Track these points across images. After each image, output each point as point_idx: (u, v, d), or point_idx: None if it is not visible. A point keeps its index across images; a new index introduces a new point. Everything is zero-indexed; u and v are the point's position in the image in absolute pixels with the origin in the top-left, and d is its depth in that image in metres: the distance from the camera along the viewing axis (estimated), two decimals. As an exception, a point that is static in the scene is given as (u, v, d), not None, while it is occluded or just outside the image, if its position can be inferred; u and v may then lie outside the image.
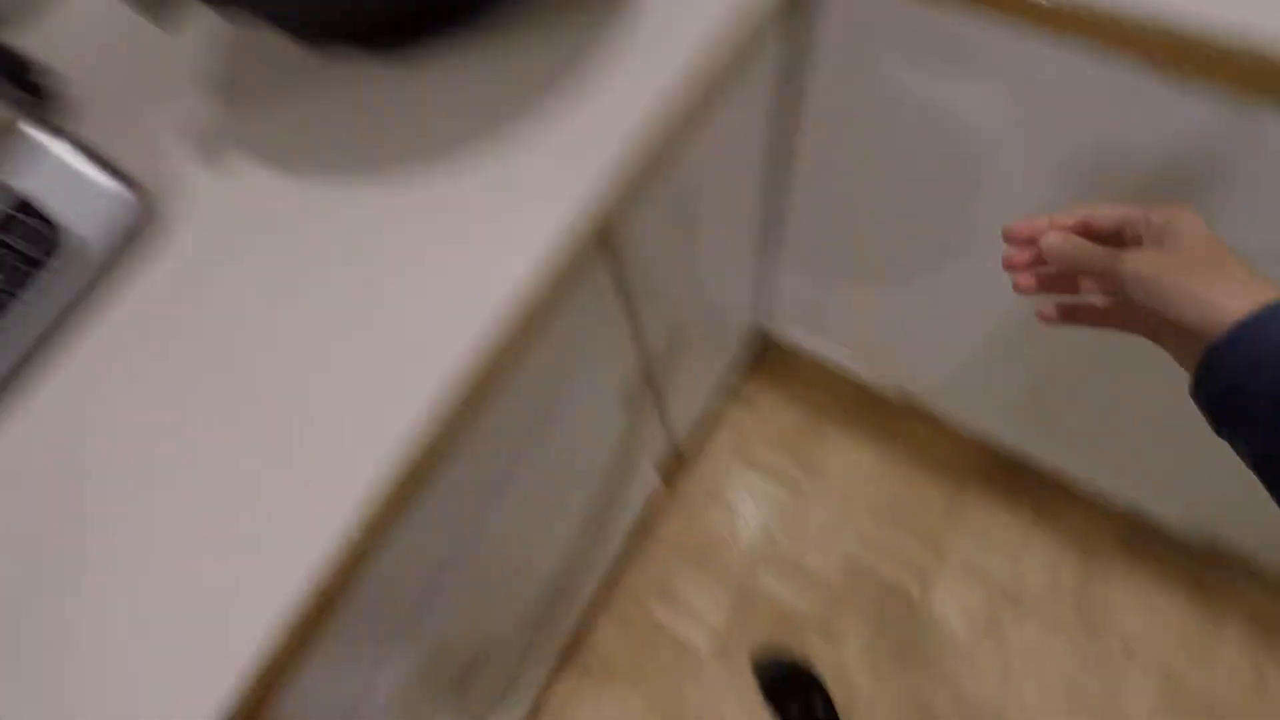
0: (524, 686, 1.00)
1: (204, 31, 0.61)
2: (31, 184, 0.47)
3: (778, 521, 1.25)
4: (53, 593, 0.39)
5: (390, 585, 0.54)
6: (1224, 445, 0.36)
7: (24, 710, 0.36)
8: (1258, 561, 1.10)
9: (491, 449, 0.56)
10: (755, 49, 0.58)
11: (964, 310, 0.88)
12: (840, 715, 1.10)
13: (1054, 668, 1.12)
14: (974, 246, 0.77)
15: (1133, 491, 1.03)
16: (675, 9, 0.53)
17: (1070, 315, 0.44)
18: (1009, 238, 0.43)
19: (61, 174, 0.48)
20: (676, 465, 1.29)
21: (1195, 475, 0.91)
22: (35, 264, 0.46)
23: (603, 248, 0.56)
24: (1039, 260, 0.42)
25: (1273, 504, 0.35)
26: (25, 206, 0.46)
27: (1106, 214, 0.40)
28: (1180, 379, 0.38)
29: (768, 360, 1.35)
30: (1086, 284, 0.43)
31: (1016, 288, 0.44)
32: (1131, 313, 0.40)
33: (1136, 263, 0.37)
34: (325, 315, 0.44)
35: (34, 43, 0.58)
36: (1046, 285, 0.44)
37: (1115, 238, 0.40)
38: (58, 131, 0.49)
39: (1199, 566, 1.14)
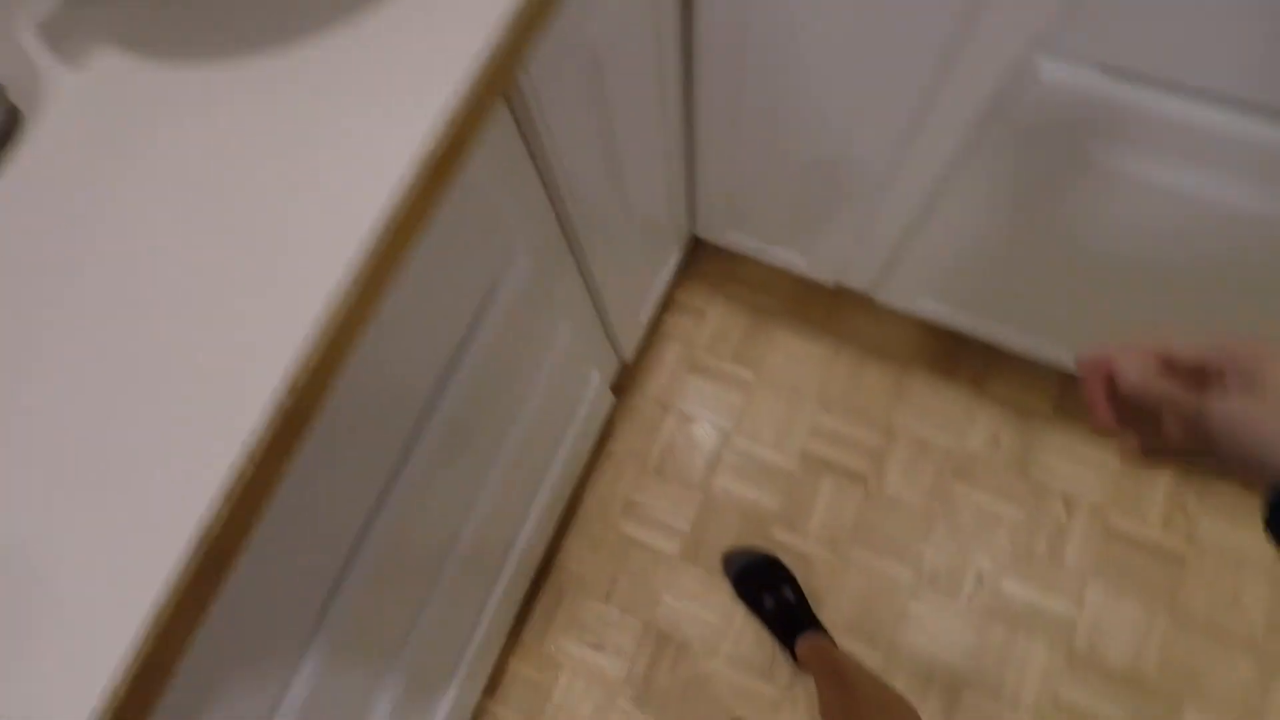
0: (488, 635, 1.01)
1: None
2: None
3: (732, 423, 1.27)
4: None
5: (317, 510, 0.53)
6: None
7: None
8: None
9: (417, 350, 0.55)
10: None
11: (887, 195, 0.88)
12: (809, 601, 1.14)
13: (1004, 531, 1.18)
14: (888, 124, 0.77)
15: (1060, 353, 1.07)
16: None
17: (1155, 457, 0.40)
18: (1082, 366, 0.41)
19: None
20: (627, 380, 1.29)
21: (1113, 331, 0.94)
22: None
23: (516, 123, 0.54)
24: (1113, 390, 0.39)
25: None
26: None
27: (1187, 349, 0.37)
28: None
29: (705, 267, 1.35)
30: (1169, 422, 0.39)
31: (1094, 424, 0.41)
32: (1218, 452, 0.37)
33: (1223, 410, 0.34)
34: (220, 204, 0.42)
35: None
36: (1127, 421, 0.40)
37: (1196, 373, 0.37)
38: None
39: (1130, 419, 1.20)
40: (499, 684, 1.18)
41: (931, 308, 1.11)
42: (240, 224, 0.41)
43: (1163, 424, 0.39)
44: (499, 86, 0.46)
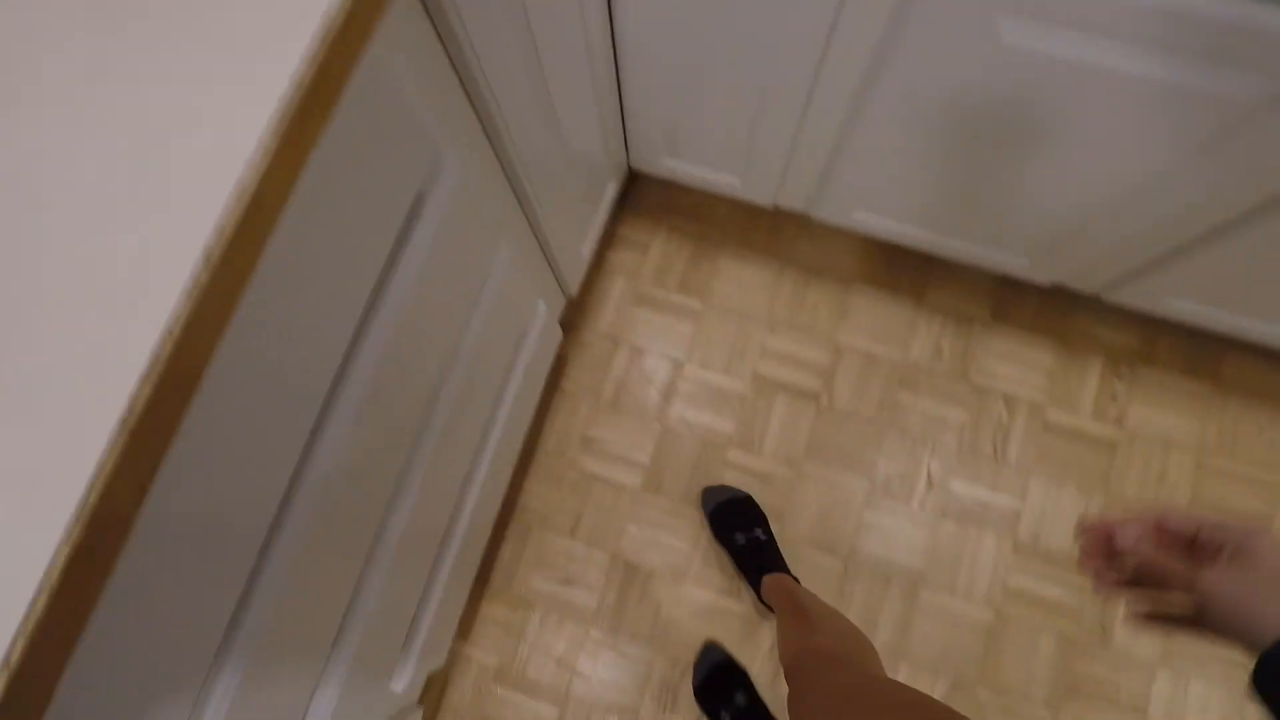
0: (454, 579, 1.00)
1: None
2: None
3: (683, 352, 1.27)
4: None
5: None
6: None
7: None
8: (1104, 303, 1.22)
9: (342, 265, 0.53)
10: None
11: (811, 113, 0.89)
12: (777, 541, 1.17)
13: (950, 435, 1.22)
14: (803, 42, 0.76)
15: (994, 257, 1.10)
16: None
17: (1156, 621, 0.42)
18: (1082, 531, 0.43)
19: None
20: (575, 317, 1.29)
21: (1045, 234, 0.98)
22: None
23: (430, 22, 0.52)
24: (1112, 555, 0.42)
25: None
26: None
27: (1182, 519, 0.40)
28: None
29: (645, 201, 1.34)
30: (1170, 588, 0.41)
31: (1097, 587, 0.43)
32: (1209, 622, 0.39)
33: (1215, 583, 0.37)
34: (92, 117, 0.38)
35: None
36: (1128, 585, 0.42)
37: (1190, 545, 0.40)
38: None
39: (1059, 319, 1.25)
40: (470, 628, 1.18)
41: (867, 221, 1.13)
42: (110, 138, 0.38)
43: (1166, 592, 0.41)
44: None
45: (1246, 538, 0.38)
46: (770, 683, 1.13)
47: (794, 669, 0.64)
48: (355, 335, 0.56)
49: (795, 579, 1.08)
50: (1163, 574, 0.39)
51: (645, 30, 0.86)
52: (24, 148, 0.37)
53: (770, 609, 1.04)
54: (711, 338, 1.28)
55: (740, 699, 1.08)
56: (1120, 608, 1.14)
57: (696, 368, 1.27)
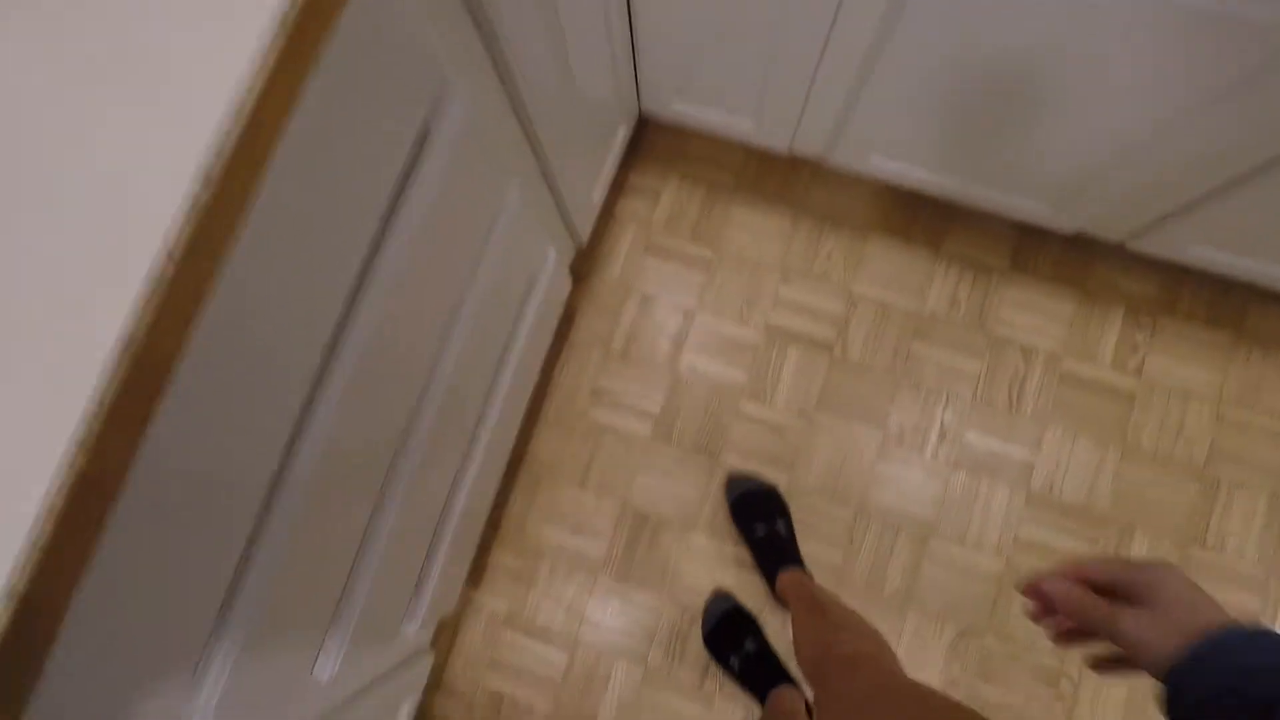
0: (465, 526, 1.00)
1: None
2: None
3: (694, 301, 1.25)
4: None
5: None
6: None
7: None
8: (1127, 252, 1.19)
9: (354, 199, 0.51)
10: None
11: (829, 53, 0.85)
12: (795, 532, 1.16)
13: (965, 386, 1.21)
14: None
15: (1016, 204, 1.07)
16: None
17: (1107, 669, 0.47)
18: (1026, 591, 0.46)
19: None
20: (585, 266, 1.27)
21: (1069, 179, 0.94)
22: None
23: None
24: (1051, 609, 0.45)
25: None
26: None
27: (1098, 569, 0.44)
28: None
29: (656, 148, 1.31)
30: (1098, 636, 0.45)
31: (1059, 642, 0.47)
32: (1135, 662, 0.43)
33: (1125, 623, 0.41)
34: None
35: None
36: (1077, 637, 0.46)
37: (1112, 591, 0.43)
38: None
39: (1080, 268, 1.22)
40: (481, 575, 1.19)
41: (884, 166, 1.09)
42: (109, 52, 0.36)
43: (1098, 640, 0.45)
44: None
45: (1154, 577, 0.42)
46: (779, 632, 1.14)
47: (818, 673, 0.64)
48: (361, 273, 0.55)
49: (810, 575, 1.07)
50: (1089, 623, 0.43)
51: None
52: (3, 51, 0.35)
53: (784, 604, 1.04)
54: (723, 287, 1.26)
55: (750, 646, 1.09)
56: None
57: (708, 317, 1.25)
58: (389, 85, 0.50)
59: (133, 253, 0.32)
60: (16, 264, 0.32)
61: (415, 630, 0.96)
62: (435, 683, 1.16)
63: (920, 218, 1.26)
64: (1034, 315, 1.22)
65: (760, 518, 1.13)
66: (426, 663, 1.08)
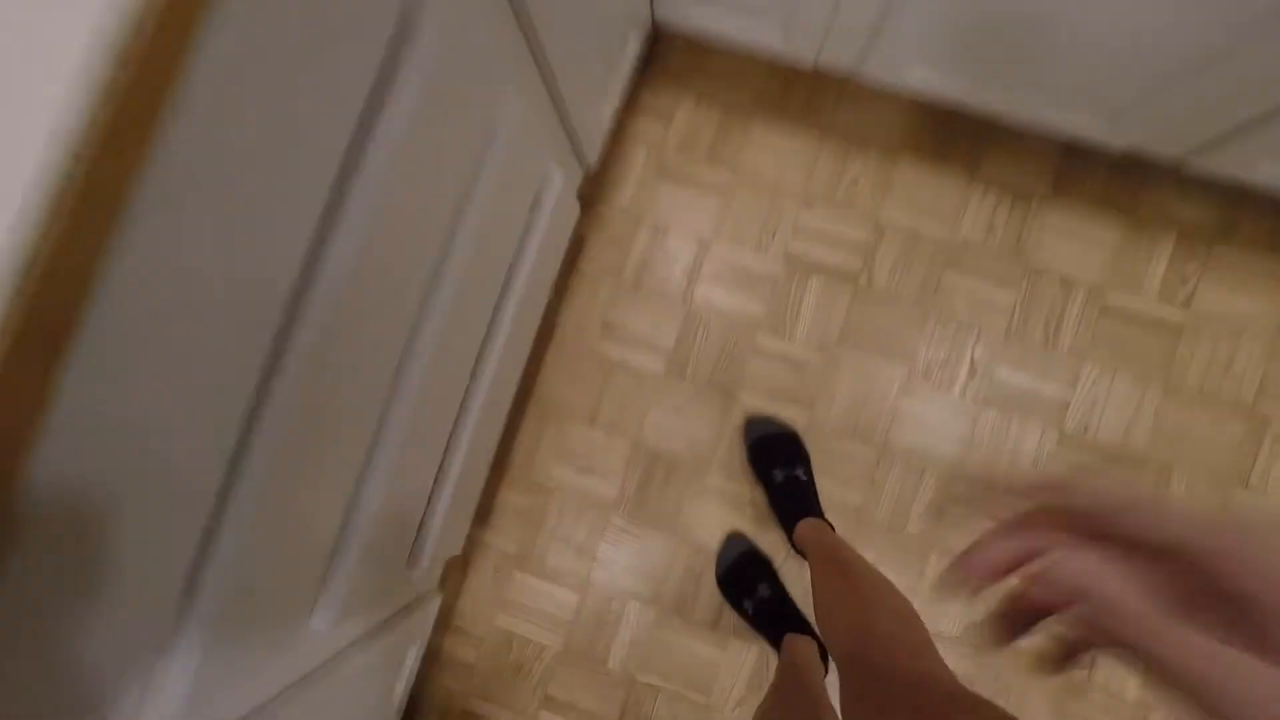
0: (470, 463, 0.95)
1: None
2: None
3: (710, 229, 1.18)
4: None
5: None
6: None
7: None
8: (1184, 173, 1.09)
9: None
10: None
11: None
12: (814, 478, 1.10)
13: (998, 319, 1.13)
14: None
15: (1066, 118, 0.98)
16: None
17: (1066, 661, 0.29)
18: (967, 566, 0.28)
19: None
20: (594, 191, 1.19)
21: (1128, 87, 0.85)
22: None
23: None
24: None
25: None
26: None
27: (1099, 504, 0.25)
28: None
29: (670, 63, 1.21)
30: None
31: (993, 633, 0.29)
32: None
33: (1212, 665, 0.22)
34: None
35: None
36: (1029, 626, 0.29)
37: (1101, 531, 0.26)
38: None
39: (1129, 193, 1.13)
40: (489, 515, 1.15)
41: (922, 79, 1.00)
42: None
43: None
44: None
45: (1240, 571, 0.22)
46: (796, 575, 1.10)
47: (850, 658, 0.58)
48: (339, 180, 0.48)
49: (830, 525, 1.02)
50: (1111, 637, 0.24)
51: None
52: None
53: (803, 555, 0.99)
54: (741, 214, 1.18)
55: (764, 590, 1.05)
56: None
57: (724, 246, 1.17)
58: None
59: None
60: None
61: (421, 573, 0.93)
62: (444, 623, 1.14)
63: (956, 139, 1.16)
64: (1076, 243, 1.13)
65: (779, 463, 1.07)
66: (434, 604, 1.05)
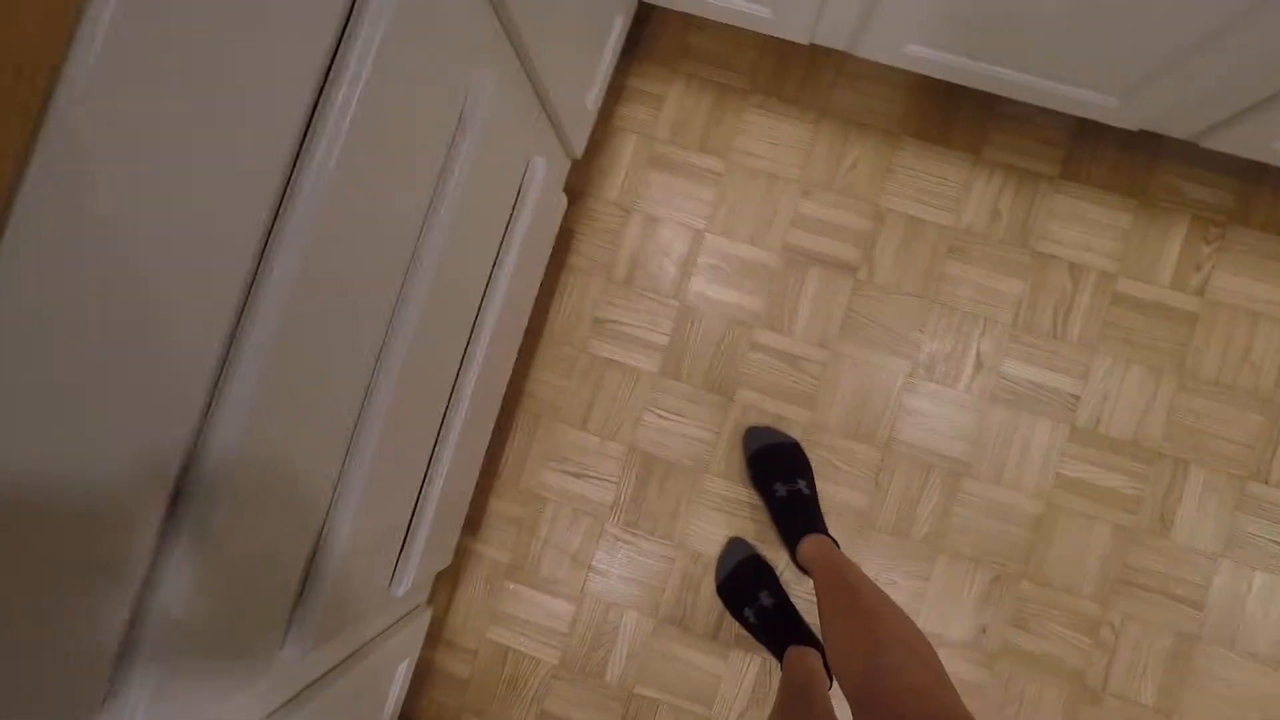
0: (456, 472, 0.90)
1: None
2: None
3: (703, 221, 1.12)
4: None
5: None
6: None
7: None
8: (1197, 154, 1.04)
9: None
10: None
11: None
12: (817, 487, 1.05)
13: (1005, 309, 1.08)
14: None
15: (1077, 97, 0.92)
16: None
17: None
18: None
19: None
20: (582, 183, 1.13)
21: (1143, 63, 0.80)
22: None
23: None
24: None
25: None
26: None
27: None
28: None
29: (658, 46, 1.15)
30: None
31: None
32: None
33: None
34: None
35: None
36: None
37: None
38: None
39: (1140, 174, 1.08)
40: (480, 524, 1.11)
41: (921, 56, 0.94)
42: None
43: None
44: None
45: None
46: (798, 582, 1.06)
47: (862, 700, 0.54)
48: (284, 175, 0.43)
49: (835, 541, 0.97)
50: None
51: None
52: None
53: (807, 574, 0.94)
54: (736, 204, 1.12)
55: (766, 598, 1.01)
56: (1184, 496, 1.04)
57: (719, 238, 1.12)
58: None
59: None
60: None
61: (406, 589, 0.89)
62: (435, 637, 1.10)
63: (959, 120, 1.11)
64: (1085, 229, 1.08)
65: (780, 476, 1.03)
66: (423, 619, 1.01)
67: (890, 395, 1.09)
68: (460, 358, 0.83)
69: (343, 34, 0.45)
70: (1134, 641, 1.03)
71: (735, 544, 1.07)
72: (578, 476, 1.10)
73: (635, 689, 1.07)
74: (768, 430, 1.08)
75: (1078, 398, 1.07)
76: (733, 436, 1.09)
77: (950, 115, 1.11)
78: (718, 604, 1.06)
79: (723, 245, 1.12)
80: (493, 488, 1.11)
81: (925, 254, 1.10)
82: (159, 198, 0.34)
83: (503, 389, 1.00)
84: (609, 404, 1.11)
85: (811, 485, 1.05)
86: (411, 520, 0.85)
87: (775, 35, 0.99)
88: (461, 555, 1.10)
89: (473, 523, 1.10)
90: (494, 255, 0.84)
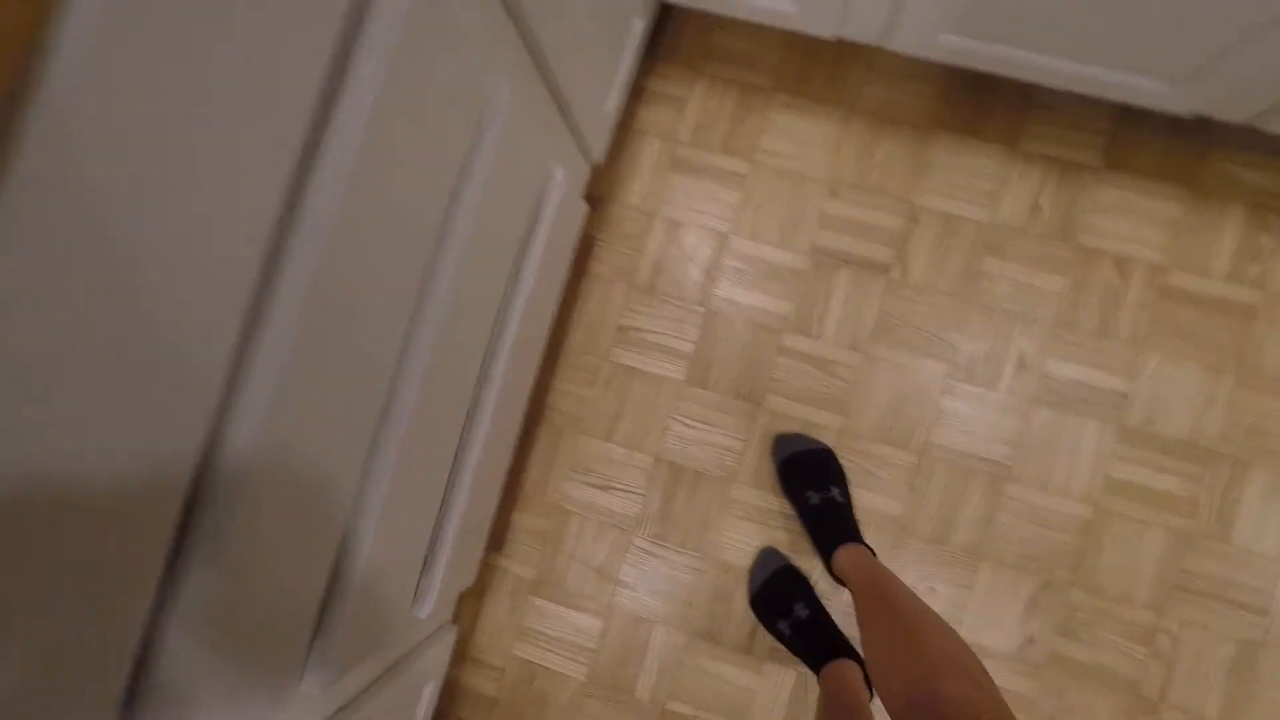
0: (479, 488, 0.88)
1: None
2: None
3: (728, 224, 1.09)
4: None
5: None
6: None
7: None
8: (1253, 137, 0.98)
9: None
10: None
11: None
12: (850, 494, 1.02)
13: (1048, 307, 1.04)
14: None
15: (1122, 84, 0.87)
16: None
17: None
18: None
19: None
20: (603, 188, 1.11)
21: (1198, 45, 0.75)
22: None
23: None
24: None
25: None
26: None
27: None
28: None
29: (679, 46, 1.12)
30: None
31: None
32: None
33: None
34: None
35: None
36: None
37: None
38: None
39: (1191, 161, 1.03)
40: (504, 539, 1.09)
41: (957, 45, 0.90)
42: None
43: None
44: None
45: None
46: (835, 593, 1.02)
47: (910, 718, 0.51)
48: (290, 186, 0.41)
49: (871, 550, 0.93)
50: None
51: None
52: None
53: (843, 585, 0.91)
54: (762, 206, 1.09)
55: (801, 610, 0.97)
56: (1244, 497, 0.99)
57: (745, 241, 1.09)
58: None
59: None
60: None
61: (430, 609, 0.87)
62: (462, 655, 1.08)
63: (994, 112, 1.06)
64: (1131, 220, 1.03)
65: (813, 484, 0.99)
66: (448, 638, 0.99)
67: (927, 399, 1.05)
68: (480, 368, 0.81)
69: (353, 37, 0.43)
70: (1194, 650, 0.98)
71: (768, 554, 1.03)
72: (603, 489, 1.08)
73: (667, 705, 1.04)
74: (798, 437, 1.04)
75: (1127, 396, 1.02)
76: (762, 445, 1.06)
77: (985, 107, 1.06)
78: (750, 617, 1.03)
79: (748, 248, 1.08)
80: (516, 502, 1.09)
81: (961, 252, 1.06)
82: (158, 196, 0.32)
83: (525, 400, 0.98)
84: (634, 414, 1.08)
85: (845, 493, 1.01)
86: (433, 538, 0.84)
87: (800, 31, 0.96)
88: (486, 571, 1.08)
89: (497, 538, 1.08)
90: (513, 264, 0.82)
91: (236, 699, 0.52)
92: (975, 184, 1.06)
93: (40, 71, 0.26)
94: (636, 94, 1.12)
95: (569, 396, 1.09)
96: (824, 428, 1.05)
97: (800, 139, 1.09)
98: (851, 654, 0.95)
